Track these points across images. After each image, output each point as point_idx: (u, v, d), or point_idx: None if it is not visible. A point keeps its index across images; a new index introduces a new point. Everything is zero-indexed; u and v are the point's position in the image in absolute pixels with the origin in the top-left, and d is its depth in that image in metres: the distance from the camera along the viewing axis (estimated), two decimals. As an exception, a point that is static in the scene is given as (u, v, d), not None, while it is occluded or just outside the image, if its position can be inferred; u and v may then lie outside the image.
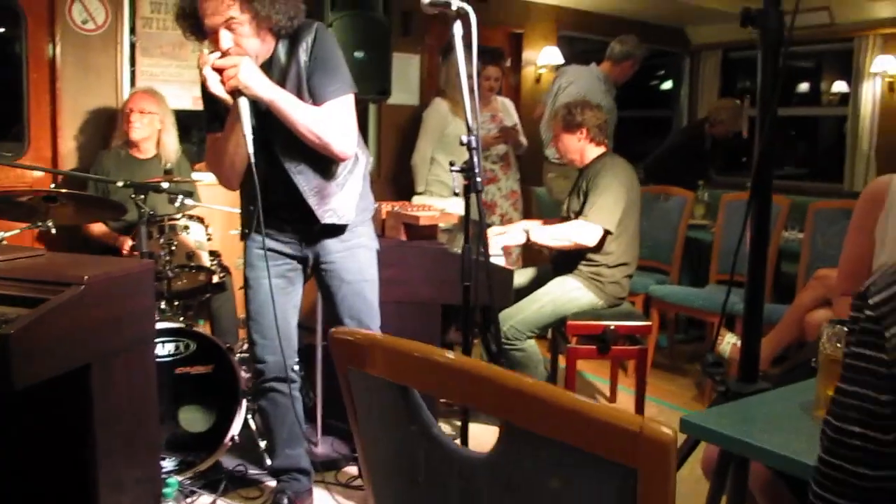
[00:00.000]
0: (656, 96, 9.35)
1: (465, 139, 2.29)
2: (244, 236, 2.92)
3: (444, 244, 3.63)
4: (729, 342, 3.20)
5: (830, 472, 1.15)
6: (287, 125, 2.56)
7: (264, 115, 2.61)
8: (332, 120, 2.59)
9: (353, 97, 2.68)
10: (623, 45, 5.55)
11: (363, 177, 2.88)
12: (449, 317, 4.05)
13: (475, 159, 2.29)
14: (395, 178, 6.09)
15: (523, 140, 5.50)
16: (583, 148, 4.09)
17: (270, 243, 2.82)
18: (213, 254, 3.96)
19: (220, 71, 2.48)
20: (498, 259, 3.68)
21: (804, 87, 9.28)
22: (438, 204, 4.65)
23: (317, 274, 2.95)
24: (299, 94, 2.61)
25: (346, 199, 2.79)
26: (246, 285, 2.89)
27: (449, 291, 3.31)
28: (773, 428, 1.51)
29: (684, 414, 1.58)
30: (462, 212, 2.57)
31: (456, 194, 2.46)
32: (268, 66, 2.64)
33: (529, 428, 0.81)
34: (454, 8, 2.31)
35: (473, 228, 2.51)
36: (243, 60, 2.48)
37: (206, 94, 2.59)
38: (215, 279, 3.86)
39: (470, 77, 2.27)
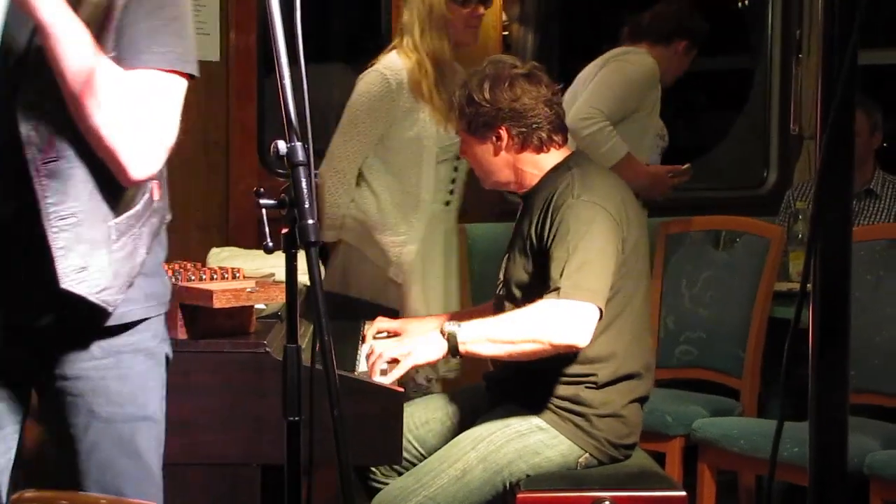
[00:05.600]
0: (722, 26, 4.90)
1: (282, 148, 1.21)
2: None
3: (265, 346, 2.05)
4: None
5: None
6: (57, 78, 1.40)
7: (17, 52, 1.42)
8: (139, 102, 1.43)
9: (186, 83, 1.50)
10: None
11: (154, 234, 1.61)
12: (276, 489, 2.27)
13: (303, 183, 1.19)
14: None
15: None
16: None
17: None
18: None
19: None
20: (381, 378, 2.15)
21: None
22: (257, 263, 2.58)
23: (48, 403, 1.61)
24: (99, 38, 1.44)
25: (118, 263, 1.51)
26: None
27: (272, 441, 1.81)
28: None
29: None
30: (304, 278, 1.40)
31: (268, 250, 1.31)
32: None
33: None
34: None
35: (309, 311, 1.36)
36: None
37: None
38: None
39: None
